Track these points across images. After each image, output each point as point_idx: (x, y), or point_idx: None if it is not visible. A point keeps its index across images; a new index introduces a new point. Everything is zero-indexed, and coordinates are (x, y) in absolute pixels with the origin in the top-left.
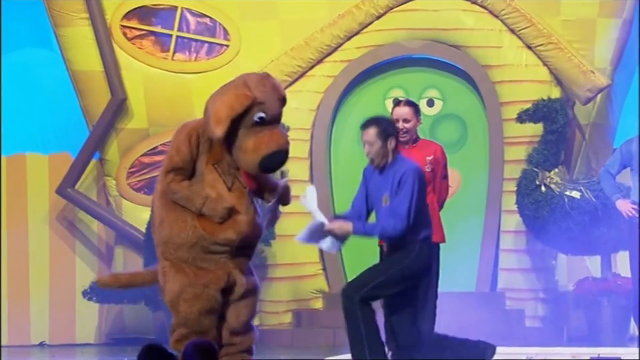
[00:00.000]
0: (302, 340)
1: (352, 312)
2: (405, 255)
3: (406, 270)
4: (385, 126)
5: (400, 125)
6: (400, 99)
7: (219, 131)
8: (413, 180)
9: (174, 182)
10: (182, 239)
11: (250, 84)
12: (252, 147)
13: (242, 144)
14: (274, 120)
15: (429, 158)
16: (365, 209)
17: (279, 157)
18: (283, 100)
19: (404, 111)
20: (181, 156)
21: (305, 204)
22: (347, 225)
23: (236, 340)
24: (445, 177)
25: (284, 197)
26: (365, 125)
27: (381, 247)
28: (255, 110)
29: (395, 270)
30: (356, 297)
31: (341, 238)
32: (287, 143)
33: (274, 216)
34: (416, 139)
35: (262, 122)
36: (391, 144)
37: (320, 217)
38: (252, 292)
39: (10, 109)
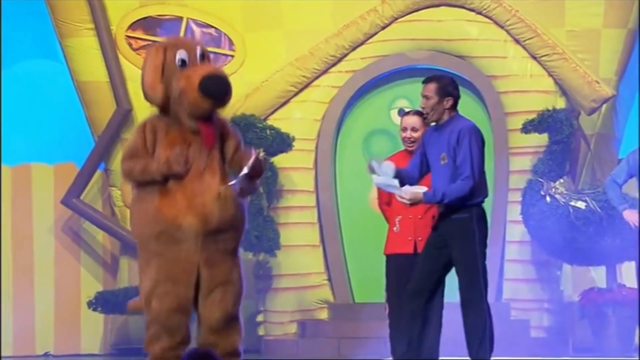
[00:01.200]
0: (307, 351)
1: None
2: (468, 234)
3: (481, 246)
4: (445, 84)
5: (408, 134)
6: (407, 109)
7: (158, 96)
8: (470, 137)
9: (129, 162)
10: (147, 230)
11: (163, 40)
12: (184, 82)
13: (177, 90)
14: (200, 59)
15: None
16: (418, 172)
17: (217, 79)
18: (198, 44)
19: (412, 120)
20: (133, 144)
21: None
22: (419, 194)
23: (215, 340)
24: None
25: (255, 167)
26: (427, 80)
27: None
28: (172, 55)
29: (476, 256)
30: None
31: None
32: (222, 70)
33: (248, 188)
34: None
35: (184, 63)
36: (448, 102)
37: (395, 183)
38: (224, 285)
39: (16, 119)
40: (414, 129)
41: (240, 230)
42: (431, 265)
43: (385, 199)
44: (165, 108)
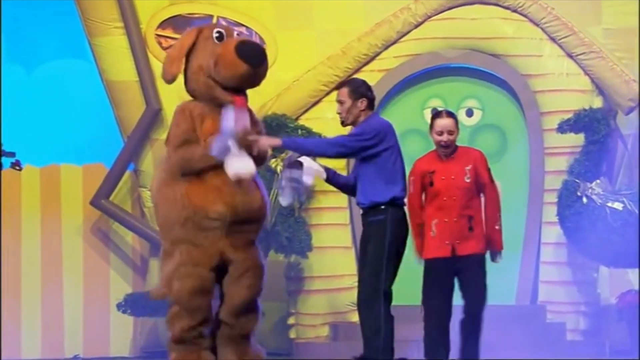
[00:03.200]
0: (339, 354)
1: None
2: (380, 235)
3: (391, 248)
4: (357, 86)
5: (445, 138)
6: (440, 109)
7: (173, 70)
8: (372, 123)
9: (185, 150)
10: (173, 216)
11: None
12: (221, 49)
13: (213, 59)
14: (234, 35)
15: (468, 168)
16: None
17: (253, 45)
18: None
19: (447, 123)
20: (183, 128)
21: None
22: (275, 140)
23: (235, 322)
24: (492, 180)
25: (259, 153)
26: (339, 85)
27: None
28: (208, 32)
29: (381, 258)
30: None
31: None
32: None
33: (300, 187)
34: (456, 148)
35: (221, 37)
36: (362, 104)
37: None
38: (251, 270)
39: (44, 119)
40: (450, 132)
41: (262, 223)
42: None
43: (419, 202)
44: (195, 93)
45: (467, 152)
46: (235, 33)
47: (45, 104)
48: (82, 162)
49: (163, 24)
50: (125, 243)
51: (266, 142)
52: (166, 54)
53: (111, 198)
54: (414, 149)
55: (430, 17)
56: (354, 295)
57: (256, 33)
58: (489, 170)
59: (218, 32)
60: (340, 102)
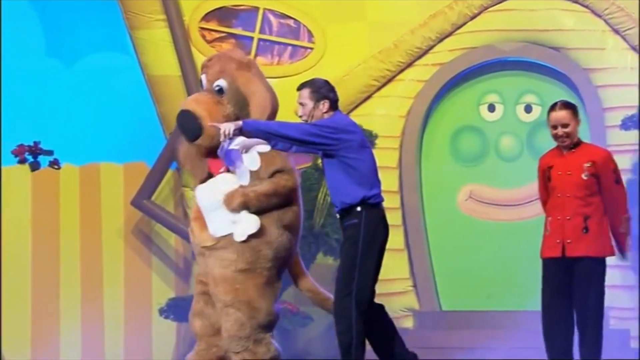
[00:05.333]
0: None
1: None
2: (354, 238)
3: (367, 252)
4: (318, 87)
5: (559, 131)
6: (556, 100)
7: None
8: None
9: None
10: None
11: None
12: None
13: None
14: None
15: (587, 165)
16: None
17: (178, 118)
18: (228, 73)
19: (560, 115)
20: None
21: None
22: (237, 123)
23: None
24: (617, 181)
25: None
26: (299, 87)
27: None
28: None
29: (353, 261)
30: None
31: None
32: (186, 104)
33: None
34: (577, 143)
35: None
36: (324, 105)
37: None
38: (228, 309)
39: (84, 116)
40: (564, 125)
41: (243, 251)
42: None
43: (545, 198)
44: None
45: (590, 149)
46: (214, 86)
47: (84, 100)
48: (122, 161)
49: (207, 16)
50: (167, 245)
51: (229, 125)
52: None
53: (153, 198)
54: (469, 147)
55: (486, 8)
56: (406, 300)
57: (304, 26)
58: (614, 171)
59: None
60: (301, 104)
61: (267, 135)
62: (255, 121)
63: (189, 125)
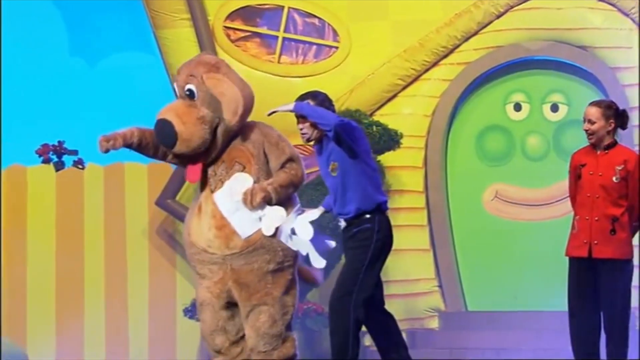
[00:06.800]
0: None
1: None
2: (366, 242)
3: (374, 257)
4: (320, 101)
5: (585, 126)
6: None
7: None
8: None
9: None
10: (187, 254)
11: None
12: None
13: None
14: (184, 97)
15: (619, 168)
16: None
17: (156, 127)
18: (198, 77)
19: (588, 110)
20: None
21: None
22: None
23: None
24: None
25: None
26: (299, 99)
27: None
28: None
29: (360, 265)
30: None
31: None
32: (164, 113)
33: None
34: (612, 145)
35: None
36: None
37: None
38: (261, 307)
39: (108, 115)
40: (590, 121)
41: (275, 249)
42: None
43: (573, 193)
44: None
45: (623, 151)
46: (185, 90)
47: (108, 99)
48: (147, 161)
49: (232, 15)
50: None
51: (282, 107)
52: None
53: (177, 198)
54: (495, 147)
55: (512, 7)
56: (432, 300)
57: (329, 25)
58: None
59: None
60: (302, 117)
61: (316, 116)
62: (303, 105)
63: (163, 133)
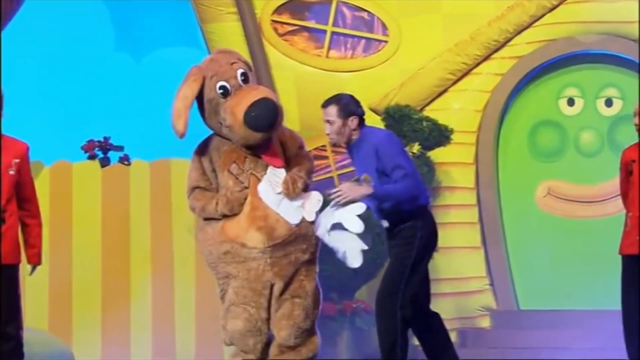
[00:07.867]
0: None
1: None
2: (410, 240)
3: (419, 254)
4: (345, 104)
5: (634, 119)
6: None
7: (180, 127)
8: (388, 146)
9: (191, 199)
10: (215, 253)
11: (201, 65)
12: (230, 119)
13: (224, 121)
14: (242, 81)
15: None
16: None
17: (261, 109)
18: (241, 61)
19: (637, 105)
20: (191, 179)
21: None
22: (366, 189)
23: (283, 357)
24: None
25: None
26: (325, 104)
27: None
28: (212, 85)
29: (405, 263)
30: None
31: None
32: (268, 92)
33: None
34: None
35: (226, 91)
36: (353, 122)
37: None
38: (294, 299)
39: (154, 111)
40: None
41: (310, 239)
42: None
43: (624, 189)
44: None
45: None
46: (239, 76)
47: (155, 95)
48: None
49: (279, 9)
50: None
51: (357, 192)
52: (172, 107)
53: None
54: (547, 142)
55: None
56: (483, 299)
57: (378, 18)
58: None
59: (222, 88)
60: (328, 122)
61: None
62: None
63: (273, 113)
